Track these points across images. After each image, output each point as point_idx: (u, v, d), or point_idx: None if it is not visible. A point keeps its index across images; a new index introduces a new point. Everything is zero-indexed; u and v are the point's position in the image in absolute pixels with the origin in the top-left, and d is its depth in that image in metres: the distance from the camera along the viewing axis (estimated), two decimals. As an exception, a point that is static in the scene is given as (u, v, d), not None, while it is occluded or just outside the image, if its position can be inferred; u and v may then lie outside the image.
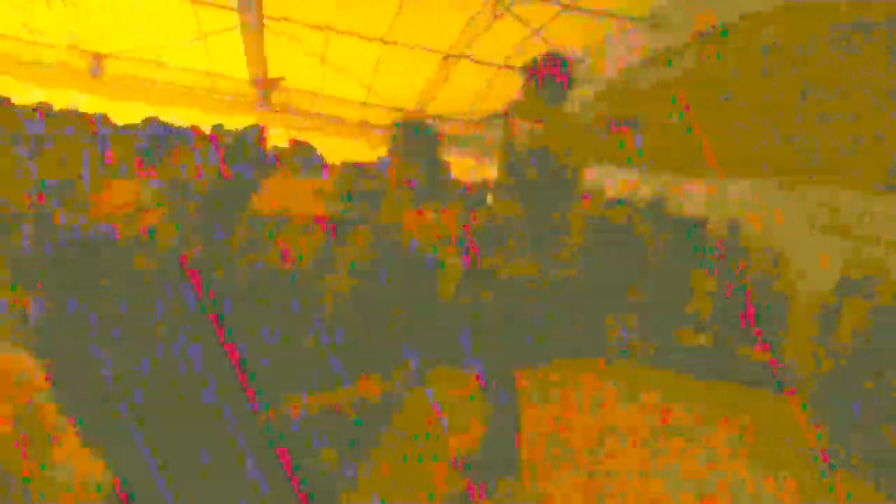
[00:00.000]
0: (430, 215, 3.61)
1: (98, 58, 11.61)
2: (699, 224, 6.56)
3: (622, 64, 9.34)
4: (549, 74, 3.08)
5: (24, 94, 8.11)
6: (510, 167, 3.02)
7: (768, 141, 7.20)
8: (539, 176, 2.89)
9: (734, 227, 6.54)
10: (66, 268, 2.34)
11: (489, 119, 12.13)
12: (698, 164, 7.84)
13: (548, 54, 3.24)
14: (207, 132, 6.66)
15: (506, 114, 3.20)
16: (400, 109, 11.86)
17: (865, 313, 4.23)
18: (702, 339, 6.05)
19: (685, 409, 4.74)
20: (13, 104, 5.47)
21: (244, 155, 6.18)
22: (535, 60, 3.14)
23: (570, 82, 3.12)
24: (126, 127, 6.09)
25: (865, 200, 6.09)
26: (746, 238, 6.48)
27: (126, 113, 8.11)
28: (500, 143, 3.13)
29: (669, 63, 7.92)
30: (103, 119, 5.83)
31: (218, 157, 5.67)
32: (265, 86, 11.95)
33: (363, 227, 3.12)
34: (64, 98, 8.01)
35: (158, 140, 5.94)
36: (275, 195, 2.44)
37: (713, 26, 7.33)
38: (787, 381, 5.38)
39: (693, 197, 7.55)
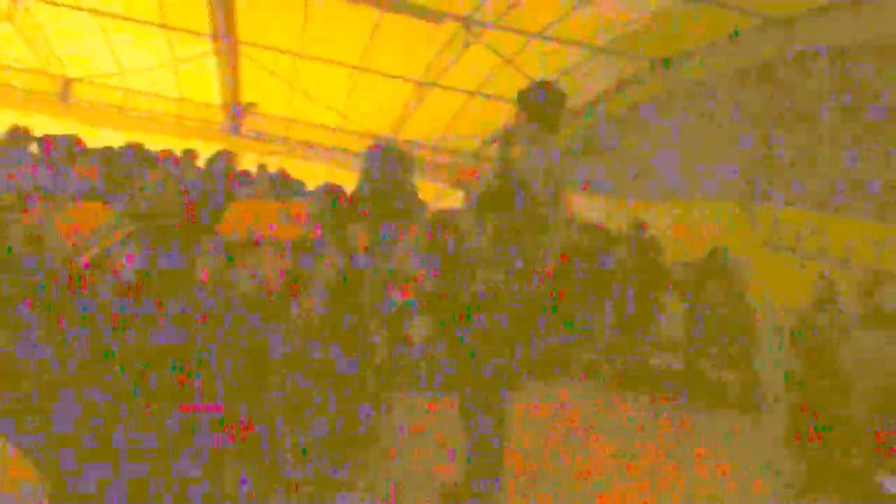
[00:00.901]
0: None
1: (67, 83, 11.54)
2: (665, 246, 6.69)
3: (589, 89, 9.59)
4: (544, 102, 3.06)
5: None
6: (499, 192, 3.00)
7: (733, 164, 7.45)
8: (530, 202, 2.90)
9: (703, 250, 6.67)
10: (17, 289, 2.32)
11: (461, 148, 12.29)
12: (664, 189, 8.06)
13: (541, 82, 3.26)
14: (176, 156, 6.66)
15: (497, 140, 3.13)
16: (373, 135, 11.96)
17: (829, 335, 4.36)
18: (672, 360, 6.14)
19: (658, 429, 4.78)
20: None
21: (212, 178, 6.17)
22: (529, 88, 3.15)
23: (563, 110, 3.12)
24: (93, 150, 6.07)
25: (826, 223, 6.32)
26: (712, 259, 6.61)
27: (96, 138, 8.07)
28: (492, 169, 3.12)
29: (635, 86, 8.17)
30: (72, 141, 5.79)
31: (185, 179, 5.65)
32: (238, 111, 11.97)
33: (333, 250, 3.14)
34: (35, 122, 7.93)
35: (123, 163, 5.92)
36: (242, 217, 2.44)
37: (675, 52, 7.62)
38: (756, 402, 5.47)
39: (659, 220, 7.72)
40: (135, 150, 6.11)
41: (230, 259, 2.31)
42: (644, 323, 5.99)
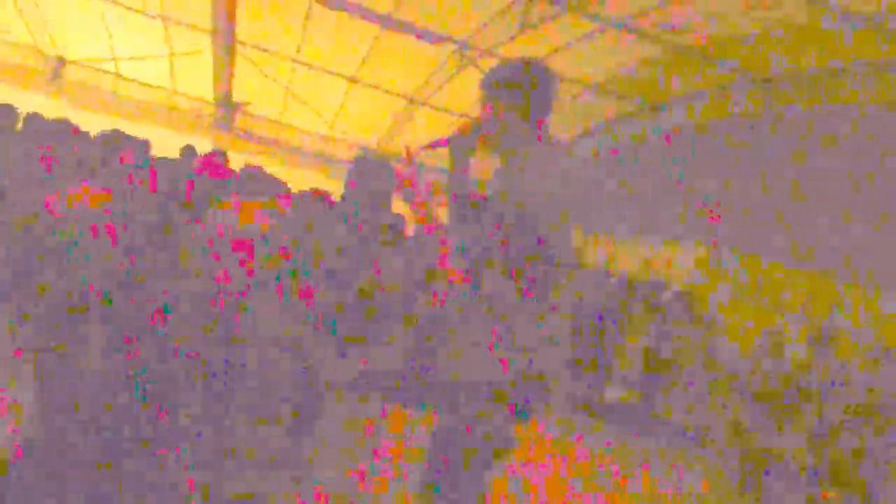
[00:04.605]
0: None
1: (60, 62, 11.49)
2: (636, 284, 6.88)
3: (578, 125, 9.85)
4: (526, 84, 2.21)
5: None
6: (461, 215, 2.26)
7: (705, 210, 7.71)
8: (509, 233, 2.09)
9: (674, 289, 6.85)
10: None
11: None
12: (635, 228, 8.30)
13: (522, 58, 2.34)
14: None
15: (450, 140, 2.33)
16: (361, 146, 12.08)
17: (772, 382, 4.57)
18: (628, 395, 6.29)
19: (610, 460, 4.91)
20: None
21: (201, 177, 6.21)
22: (505, 64, 2.33)
23: (552, 96, 2.25)
24: (83, 134, 6.08)
25: (787, 275, 6.60)
26: (678, 301, 6.81)
27: (85, 122, 8.07)
28: (449, 181, 2.31)
29: (619, 127, 8.42)
30: (63, 124, 5.81)
31: (172, 175, 5.69)
32: (229, 109, 12.01)
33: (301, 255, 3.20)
34: (24, 99, 7.94)
35: (113, 151, 5.94)
36: (223, 216, 2.52)
37: (660, 99, 7.91)
38: (705, 440, 5.65)
39: (627, 258, 7.96)
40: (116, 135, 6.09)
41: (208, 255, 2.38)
42: (603, 356, 6.14)
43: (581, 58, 7.98)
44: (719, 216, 7.28)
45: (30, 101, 8.25)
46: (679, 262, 7.72)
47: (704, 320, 6.64)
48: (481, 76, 2.43)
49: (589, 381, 5.97)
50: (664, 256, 7.95)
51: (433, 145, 2.52)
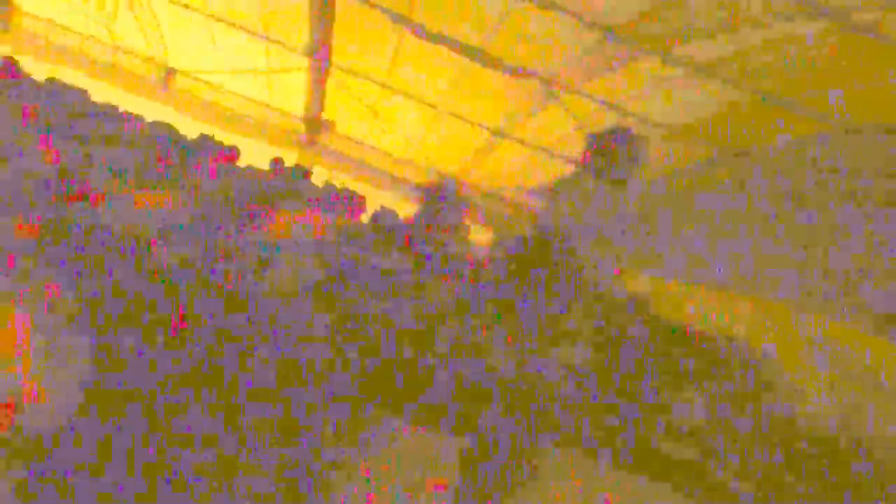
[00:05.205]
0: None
1: (170, 72, 12.35)
2: (691, 331, 6.69)
3: (653, 168, 9.77)
4: (615, 148, 2.74)
5: (99, 92, 8.72)
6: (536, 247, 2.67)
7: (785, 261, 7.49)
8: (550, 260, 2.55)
9: (727, 341, 6.65)
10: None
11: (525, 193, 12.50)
12: (705, 276, 8.13)
13: (616, 126, 2.95)
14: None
15: (552, 189, 2.78)
16: (440, 173, 12.37)
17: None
18: (683, 451, 6.05)
19: None
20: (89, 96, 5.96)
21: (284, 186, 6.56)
22: (602, 131, 2.87)
23: (635, 161, 2.78)
24: (182, 138, 6.54)
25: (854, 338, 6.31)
26: (736, 352, 6.59)
27: (188, 129, 8.68)
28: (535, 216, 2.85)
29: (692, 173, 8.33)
30: (168, 128, 6.28)
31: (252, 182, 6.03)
32: (317, 126, 12.55)
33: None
34: (136, 103, 8.62)
35: (202, 155, 6.36)
36: (285, 224, 2.70)
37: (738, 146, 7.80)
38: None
39: (693, 304, 7.77)
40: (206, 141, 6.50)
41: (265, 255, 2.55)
42: (660, 405, 5.98)
43: (662, 101, 7.99)
44: (795, 273, 7.08)
45: (142, 106, 8.93)
46: (752, 319, 7.50)
47: (775, 384, 6.38)
48: (565, 113, 2.75)
49: (631, 427, 5.83)
50: (734, 310, 7.74)
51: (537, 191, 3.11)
